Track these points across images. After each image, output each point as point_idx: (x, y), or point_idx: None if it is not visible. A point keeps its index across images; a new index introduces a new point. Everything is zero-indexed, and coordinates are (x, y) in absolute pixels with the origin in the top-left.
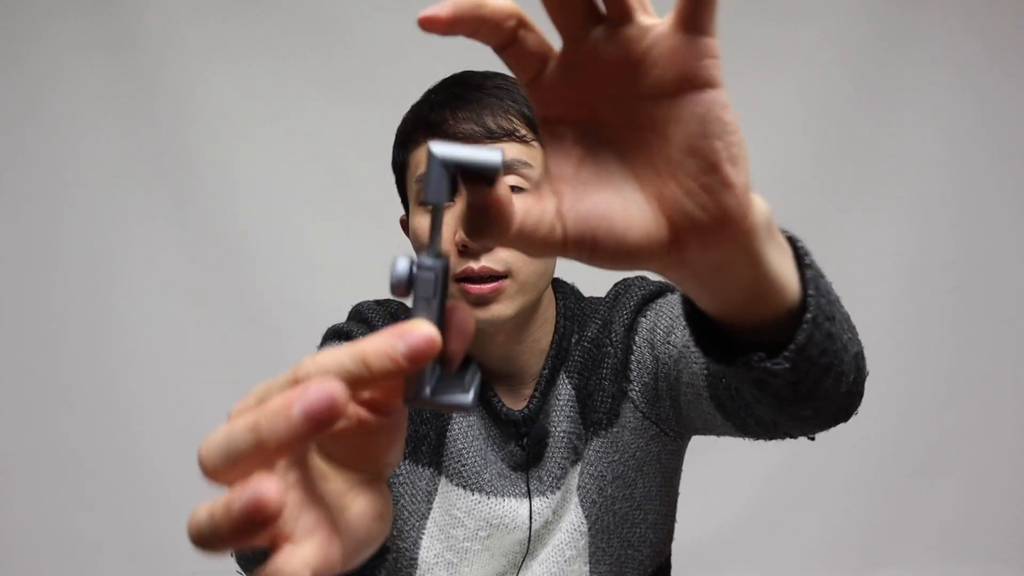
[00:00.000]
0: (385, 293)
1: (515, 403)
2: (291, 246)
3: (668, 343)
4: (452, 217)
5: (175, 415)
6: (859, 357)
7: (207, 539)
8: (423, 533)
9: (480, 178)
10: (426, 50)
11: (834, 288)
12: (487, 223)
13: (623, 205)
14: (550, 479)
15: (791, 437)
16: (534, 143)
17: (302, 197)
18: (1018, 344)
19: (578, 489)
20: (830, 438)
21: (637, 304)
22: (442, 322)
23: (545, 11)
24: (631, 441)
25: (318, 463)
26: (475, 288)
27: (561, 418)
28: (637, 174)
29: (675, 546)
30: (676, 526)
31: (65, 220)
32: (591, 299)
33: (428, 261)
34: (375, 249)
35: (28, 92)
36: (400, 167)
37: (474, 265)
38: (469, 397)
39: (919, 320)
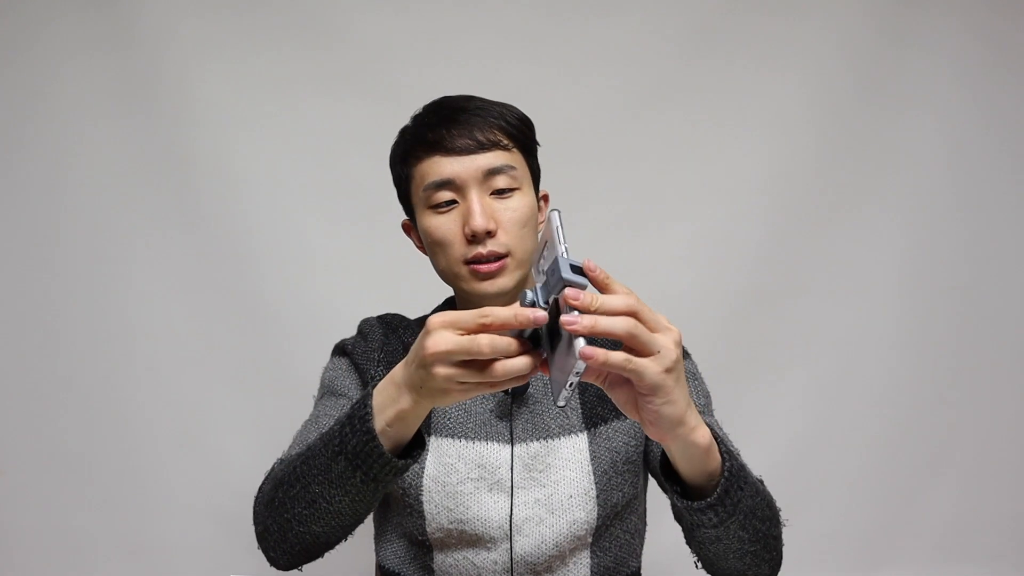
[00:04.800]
0: (384, 296)
1: None
2: (293, 244)
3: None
4: (459, 213)
5: (176, 414)
6: (772, 526)
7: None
8: (422, 488)
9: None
10: (426, 47)
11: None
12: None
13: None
14: (532, 428)
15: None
16: (514, 149)
17: (304, 195)
18: (1020, 343)
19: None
20: (830, 437)
21: None
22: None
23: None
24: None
25: None
26: (483, 267)
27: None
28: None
29: (673, 544)
30: (675, 523)
31: (65, 218)
32: None
33: (541, 302)
34: (376, 247)
35: (27, 90)
36: (404, 180)
37: (482, 250)
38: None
39: (919, 318)
